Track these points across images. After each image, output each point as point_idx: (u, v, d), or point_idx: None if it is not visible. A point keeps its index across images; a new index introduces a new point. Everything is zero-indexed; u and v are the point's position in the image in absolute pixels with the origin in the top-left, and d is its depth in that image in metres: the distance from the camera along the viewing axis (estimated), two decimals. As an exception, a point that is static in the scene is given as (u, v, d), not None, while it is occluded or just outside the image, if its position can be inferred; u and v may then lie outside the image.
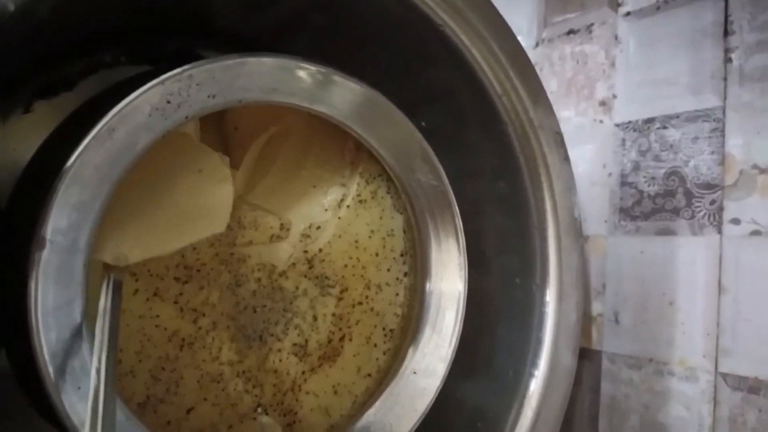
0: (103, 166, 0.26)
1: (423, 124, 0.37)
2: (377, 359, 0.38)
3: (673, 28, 0.49)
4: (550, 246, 0.41)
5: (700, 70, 0.47)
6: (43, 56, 0.40)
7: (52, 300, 0.25)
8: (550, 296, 0.40)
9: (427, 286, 0.36)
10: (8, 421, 0.35)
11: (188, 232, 0.32)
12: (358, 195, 0.38)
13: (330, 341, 0.37)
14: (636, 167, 0.51)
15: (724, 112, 0.46)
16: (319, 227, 0.38)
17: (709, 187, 0.46)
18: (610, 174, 0.53)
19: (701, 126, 0.47)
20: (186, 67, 0.27)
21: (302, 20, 0.37)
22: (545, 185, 0.40)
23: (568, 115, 0.56)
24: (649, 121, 0.50)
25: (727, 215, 0.45)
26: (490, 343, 0.42)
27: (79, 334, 0.25)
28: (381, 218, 0.39)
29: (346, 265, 0.38)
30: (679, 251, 0.48)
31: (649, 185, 0.50)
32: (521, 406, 0.39)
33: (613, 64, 0.53)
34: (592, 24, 0.55)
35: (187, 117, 0.28)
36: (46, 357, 0.25)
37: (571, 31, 0.57)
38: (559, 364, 0.40)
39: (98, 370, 0.24)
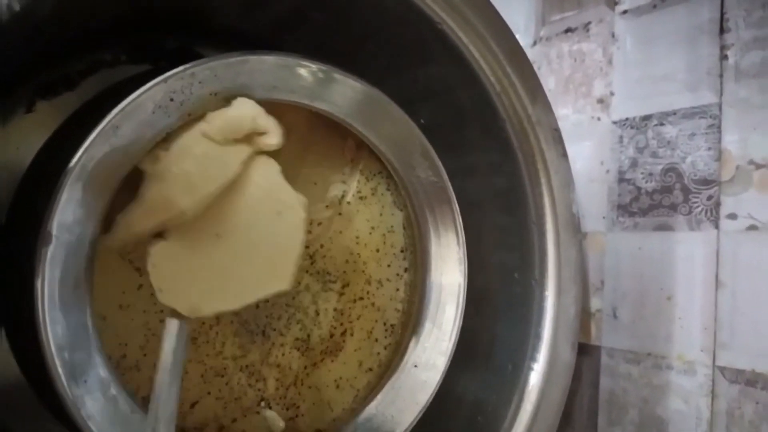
0: (107, 163, 0.26)
1: (422, 121, 0.37)
2: (378, 354, 0.39)
3: (669, 26, 0.49)
4: (548, 241, 0.41)
5: (697, 67, 0.47)
6: (44, 56, 0.40)
7: (58, 294, 0.25)
8: (549, 291, 0.41)
9: (427, 280, 0.37)
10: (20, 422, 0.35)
11: (258, 288, 0.31)
12: (359, 192, 0.39)
13: (332, 336, 0.38)
14: (633, 164, 0.52)
15: (720, 109, 0.46)
16: (320, 223, 0.38)
17: (706, 182, 0.47)
18: (608, 171, 0.53)
19: (698, 122, 0.48)
20: (188, 65, 0.28)
21: (302, 19, 0.38)
22: (543, 181, 0.41)
23: (566, 113, 0.56)
24: (647, 118, 0.51)
25: (724, 210, 0.46)
26: (489, 337, 0.42)
27: (86, 327, 0.26)
28: (381, 215, 0.39)
29: (347, 261, 0.38)
30: (676, 247, 0.48)
31: (646, 181, 0.51)
32: (521, 399, 0.40)
33: (610, 62, 0.54)
34: (589, 22, 0.55)
35: (189, 114, 0.28)
36: (53, 350, 0.25)
37: (568, 30, 0.57)
38: (558, 358, 0.40)
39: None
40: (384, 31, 0.39)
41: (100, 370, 0.26)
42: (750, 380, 0.43)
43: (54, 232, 0.25)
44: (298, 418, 0.36)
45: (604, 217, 0.53)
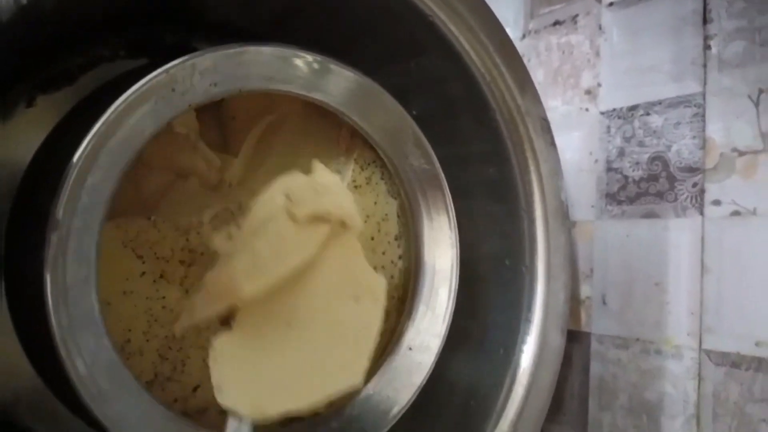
0: (113, 151, 0.27)
1: (414, 112, 0.38)
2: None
3: (655, 17, 0.51)
4: (537, 228, 0.43)
5: (681, 58, 0.49)
6: (45, 50, 0.41)
7: (67, 279, 0.26)
8: (539, 277, 0.42)
9: (421, 265, 0.38)
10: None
11: (328, 385, 0.28)
12: (354, 181, 0.40)
13: (329, 322, 0.39)
14: (621, 153, 0.53)
15: (704, 98, 0.48)
16: (316, 212, 0.39)
17: (691, 170, 0.48)
18: (596, 160, 0.55)
19: (683, 111, 0.49)
20: (189, 56, 0.29)
21: (297, 13, 0.39)
22: (532, 169, 0.42)
23: (555, 105, 0.58)
24: (633, 108, 0.52)
25: (709, 197, 0.47)
26: (481, 322, 0.43)
27: (93, 311, 0.27)
28: (376, 203, 0.40)
29: (343, 249, 0.39)
30: (663, 233, 0.49)
31: (633, 170, 0.52)
32: (512, 382, 0.41)
33: (597, 54, 0.55)
34: (576, 15, 0.56)
35: (190, 105, 0.29)
36: (61, 333, 0.26)
37: (556, 22, 0.58)
38: (548, 342, 0.41)
39: None
40: (376, 25, 0.40)
41: (107, 352, 0.27)
42: (735, 362, 0.45)
43: (60, 218, 0.26)
44: (297, 402, 0.37)
45: (592, 206, 0.54)
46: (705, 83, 0.48)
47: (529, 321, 0.42)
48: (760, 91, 0.45)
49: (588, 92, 0.56)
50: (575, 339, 0.54)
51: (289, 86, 0.32)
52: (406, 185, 0.37)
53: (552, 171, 0.42)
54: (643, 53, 0.52)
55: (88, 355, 0.27)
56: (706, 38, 0.47)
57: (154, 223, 0.33)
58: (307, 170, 0.40)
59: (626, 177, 0.52)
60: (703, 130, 0.48)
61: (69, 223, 0.26)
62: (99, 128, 0.27)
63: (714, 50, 0.47)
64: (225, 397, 0.27)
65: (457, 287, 0.37)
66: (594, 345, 0.54)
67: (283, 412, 0.27)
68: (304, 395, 0.28)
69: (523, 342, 0.41)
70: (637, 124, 0.52)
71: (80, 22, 0.37)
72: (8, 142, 0.40)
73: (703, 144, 0.48)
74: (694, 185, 0.48)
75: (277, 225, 0.27)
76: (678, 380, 0.48)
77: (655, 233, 0.50)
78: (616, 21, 0.53)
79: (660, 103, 0.50)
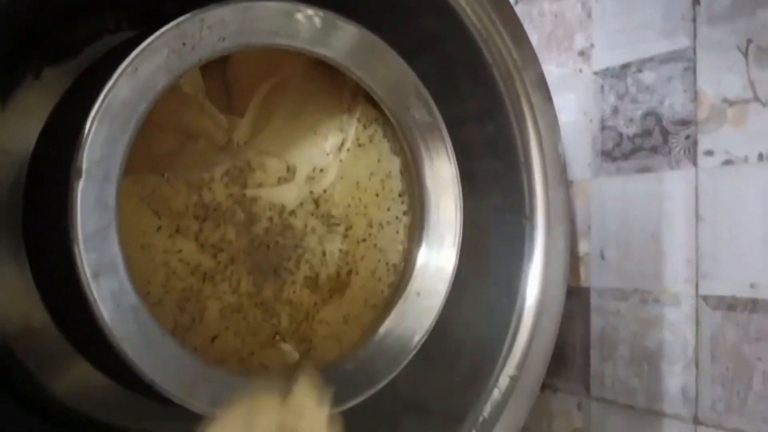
0: (129, 102, 0.28)
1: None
2: (382, 291, 0.41)
3: (644, -25, 0.52)
4: (536, 181, 0.44)
5: (672, 13, 0.50)
6: (50, 23, 0.42)
7: (91, 225, 0.27)
8: (539, 227, 0.43)
9: (426, 215, 0.39)
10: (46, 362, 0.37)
11: None
12: (357, 139, 0.41)
13: (338, 275, 0.40)
14: (615, 111, 0.54)
15: (694, 52, 0.49)
16: (322, 170, 0.40)
17: (684, 123, 0.49)
18: (590, 120, 0.56)
19: (674, 66, 0.50)
20: (197, 10, 0.30)
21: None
22: (530, 123, 0.43)
23: (549, 68, 0.59)
24: (626, 66, 0.53)
25: (702, 148, 0.48)
26: (484, 274, 0.45)
27: (117, 256, 0.28)
28: (379, 161, 0.42)
29: (349, 205, 0.41)
30: (658, 186, 0.51)
31: (627, 127, 0.53)
32: (516, 329, 0.42)
33: (589, 15, 0.56)
34: (567, -22, 0.58)
35: (200, 59, 0.30)
36: (89, 277, 0.27)
37: (548, -14, 0.59)
38: (550, 289, 0.43)
39: None
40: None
41: (131, 297, 0.28)
42: (731, 305, 0.46)
43: (84, 167, 0.27)
44: (310, 351, 0.38)
45: (588, 165, 0.56)
46: (695, 37, 0.49)
47: (530, 269, 0.43)
48: (749, 42, 0.46)
49: (581, 53, 0.57)
50: (575, 295, 0.56)
51: (294, 41, 0.33)
52: (409, 138, 0.38)
53: (549, 125, 0.43)
54: (634, 12, 0.53)
55: (113, 299, 0.28)
56: (695, -8, 0.48)
57: (167, 179, 0.34)
58: (311, 129, 0.41)
59: (620, 134, 0.54)
60: (695, 84, 0.49)
61: (90, 172, 0.27)
62: (115, 81, 0.28)
63: (703, 4, 0.48)
64: None
65: (461, 235, 0.38)
66: (594, 299, 0.55)
67: None
68: None
69: (525, 290, 0.43)
70: (630, 81, 0.53)
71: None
72: (19, 112, 0.41)
73: (695, 97, 0.49)
74: (687, 137, 0.49)
75: None
76: (677, 327, 0.49)
77: (651, 187, 0.51)
78: (607, -20, 0.54)
79: (652, 59, 0.52)
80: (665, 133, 0.51)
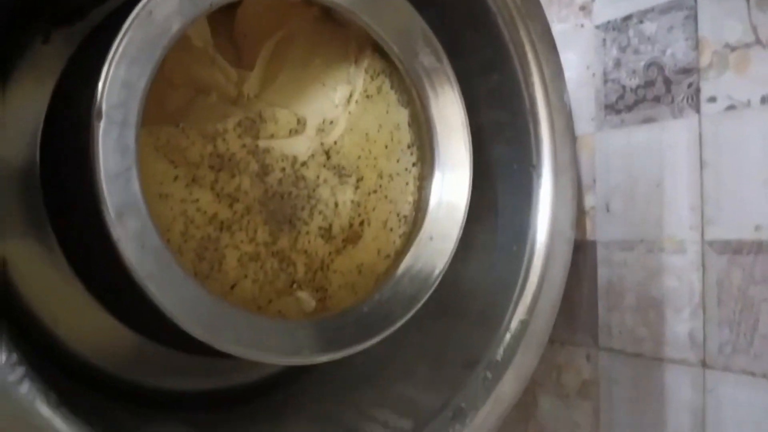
0: (145, 46, 0.28)
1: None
2: (394, 242, 0.42)
3: (644, -75, 0.52)
4: (543, 129, 0.44)
5: (672, -38, 0.50)
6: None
7: (113, 166, 0.28)
8: (547, 175, 0.44)
9: (436, 161, 0.40)
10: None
11: None
12: (365, 90, 0.41)
13: (351, 225, 0.41)
14: (617, 64, 0.55)
15: (695, 0, 0.49)
16: (331, 122, 0.41)
17: (686, 71, 0.50)
18: (593, 74, 0.56)
19: (675, 15, 0.50)
20: (209, -44, 0.30)
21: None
22: (535, 73, 0.44)
23: (551, 25, 0.59)
24: (627, 18, 0.54)
25: (704, 95, 0.49)
26: (494, 224, 0.46)
27: (139, 199, 0.29)
28: (387, 112, 0.42)
29: (359, 156, 0.41)
30: (661, 136, 0.51)
31: (630, 79, 0.54)
32: (527, 275, 0.43)
33: (589, -32, 0.56)
34: (567, -68, 0.58)
35: (211, 4, 0.31)
36: (114, 216, 0.28)
37: (547, -58, 0.59)
38: (559, 235, 0.43)
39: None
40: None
41: (154, 238, 0.29)
42: (736, 249, 0.47)
43: (104, 109, 0.28)
44: (326, 300, 0.39)
45: (592, 119, 0.56)
46: (695, -15, 0.49)
47: (538, 217, 0.44)
48: (750, -14, 0.46)
49: (582, 8, 0.57)
50: (581, 249, 0.57)
51: (302, -12, 0.33)
52: (417, 85, 0.38)
53: (554, 73, 0.44)
54: (634, -38, 0.53)
55: (137, 240, 0.28)
56: (695, -62, 0.48)
57: (182, 129, 0.35)
58: (319, 81, 0.41)
59: (623, 86, 0.54)
60: (696, 31, 0.49)
61: (110, 115, 0.28)
62: (130, 25, 0.28)
63: (702, -49, 0.48)
64: None
65: (471, 181, 0.39)
66: (600, 251, 0.56)
67: None
68: None
69: (534, 237, 0.43)
70: (631, 33, 0.54)
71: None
72: (30, 76, 0.41)
73: (696, 44, 0.49)
74: (690, 85, 0.50)
75: None
76: (683, 273, 0.50)
77: (654, 137, 0.52)
78: (606, -68, 0.54)
79: (653, 9, 0.52)
80: (668, 83, 0.51)
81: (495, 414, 0.39)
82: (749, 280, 0.47)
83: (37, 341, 0.40)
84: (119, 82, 0.28)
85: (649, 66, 0.52)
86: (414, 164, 0.43)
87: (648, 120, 0.52)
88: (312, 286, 0.39)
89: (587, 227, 0.57)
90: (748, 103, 0.46)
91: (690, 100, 0.50)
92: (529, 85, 0.44)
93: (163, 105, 0.37)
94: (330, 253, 0.40)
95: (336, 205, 0.40)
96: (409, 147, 0.43)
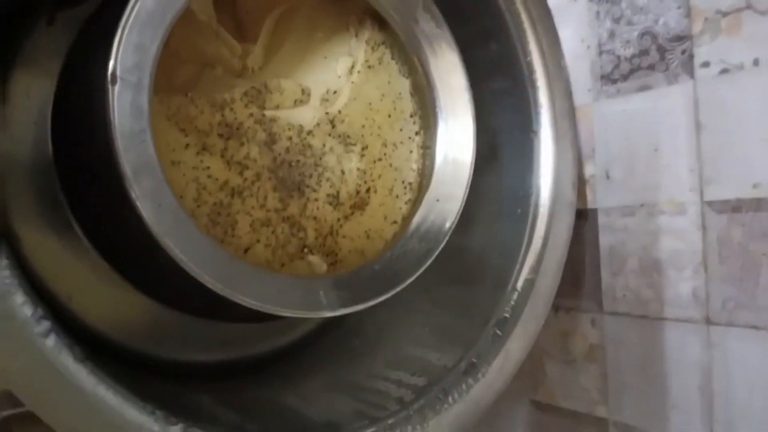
0: (155, 12, 0.30)
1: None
2: (400, 208, 0.43)
3: None
4: (542, 95, 0.45)
5: (661, -69, 0.51)
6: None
7: (128, 127, 0.29)
8: (547, 139, 0.45)
9: (439, 127, 0.41)
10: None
11: None
12: (366, 61, 0.42)
13: (358, 192, 0.42)
14: (611, 35, 0.56)
15: (686, -34, 0.50)
16: (335, 92, 0.42)
17: (679, 38, 0.51)
18: (588, 47, 0.57)
19: (667, -17, 0.51)
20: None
21: None
22: (532, 39, 0.45)
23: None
24: (619, -11, 0.55)
25: (698, 60, 0.50)
26: (497, 189, 0.46)
27: (154, 160, 0.30)
28: (389, 82, 0.43)
29: (363, 126, 0.42)
30: (658, 102, 0.52)
31: (624, 49, 0.55)
32: (531, 235, 0.44)
33: (580, -58, 0.57)
34: None
35: (218, -27, 0.32)
36: (130, 175, 0.29)
37: None
38: (561, 197, 0.44)
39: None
40: None
41: (169, 197, 0.30)
42: (736, 207, 0.48)
43: (119, 73, 0.29)
44: (337, 264, 0.40)
45: (589, 90, 0.57)
46: (686, -48, 0.50)
47: (541, 180, 0.45)
48: (740, -51, 0.47)
49: (575, -18, 0.58)
50: (583, 217, 0.58)
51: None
52: (418, 53, 0.39)
53: (551, 40, 0.45)
54: (624, -66, 0.54)
55: (154, 199, 0.30)
56: None
57: (191, 99, 0.36)
58: (321, 55, 0.42)
59: (618, 56, 0.55)
60: (687, 0, 0.50)
61: (124, 78, 0.29)
62: (141, -9, 0.29)
63: None
64: None
65: (475, 144, 0.40)
66: (602, 219, 0.57)
67: None
68: None
69: (538, 200, 0.44)
70: (624, 4, 0.55)
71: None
72: (36, 56, 0.42)
73: (688, 12, 0.50)
74: (683, 52, 0.51)
75: None
76: (684, 234, 0.51)
77: (651, 104, 0.53)
78: None
79: (644, -21, 0.53)
80: (662, 51, 0.52)
81: (505, 369, 0.39)
82: (749, 237, 0.48)
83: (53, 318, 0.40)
84: (132, 46, 0.29)
85: (642, 35, 0.53)
86: (417, 133, 0.44)
87: (644, 88, 0.53)
88: (322, 250, 0.40)
89: (588, 196, 0.58)
90: (741, 66, 0.47)
91: (684, 67, 0.51)
92: (527, 53, 0.45)
93: (172, 79, 0.38)
94: (338, 219, 0.41)
95: (342, 172, 0.41)
96: (411, 116, 0.44)
